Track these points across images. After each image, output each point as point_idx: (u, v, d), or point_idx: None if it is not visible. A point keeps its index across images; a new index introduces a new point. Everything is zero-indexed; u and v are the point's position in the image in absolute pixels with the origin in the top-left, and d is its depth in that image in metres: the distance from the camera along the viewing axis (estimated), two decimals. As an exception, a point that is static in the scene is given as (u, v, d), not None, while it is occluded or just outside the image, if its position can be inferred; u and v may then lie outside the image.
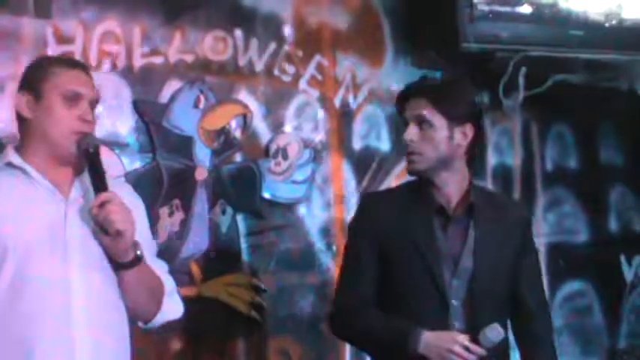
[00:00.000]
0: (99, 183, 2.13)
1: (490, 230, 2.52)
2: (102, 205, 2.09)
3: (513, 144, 4.12)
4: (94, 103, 2.23)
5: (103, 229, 2.11)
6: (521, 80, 3.78)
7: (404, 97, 2.54)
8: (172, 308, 2.33)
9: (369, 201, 2.73)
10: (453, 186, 2.52)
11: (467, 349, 2.38)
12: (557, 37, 3.79)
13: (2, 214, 2.11)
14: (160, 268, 2.32)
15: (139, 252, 2.17)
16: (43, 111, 2.17)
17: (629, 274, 4.46)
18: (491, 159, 4.06)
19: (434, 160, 2.47)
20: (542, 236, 4.11)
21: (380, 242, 2.52)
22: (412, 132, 2.47)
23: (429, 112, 2.46)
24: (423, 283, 2.48)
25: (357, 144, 3.74)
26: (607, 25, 3.83)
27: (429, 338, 2.40)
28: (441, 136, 2.46)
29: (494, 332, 2.38)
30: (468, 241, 2.51)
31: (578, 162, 4.32)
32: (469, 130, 2.50)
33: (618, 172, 4.49)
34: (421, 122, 2.47)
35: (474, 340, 2.39)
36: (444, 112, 2.46)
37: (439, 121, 2.46)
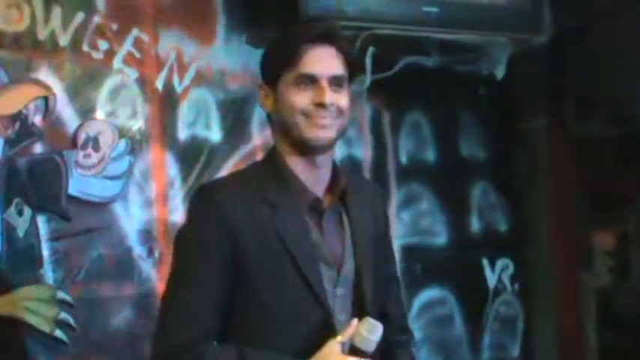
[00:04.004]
0: None
1: (361, 220, 2.12)
2: None
3: (362, 134, 3.88)
4: None
5: None
6: (368, 62, 3.54)
7: (302, 46, 2.00)
8: None
9: (212, 196, 2.05)
10: (326, 169, 2.08)
11: None
12: (409, 14, 3.52)
13: None
14: None
15: None
16: None
17: (492, 280, 4.30)
18: (338, 150, 3.70)
19: (340, 132, 2.05)
20: (396, 238, 3.85)
21: (236, 251, 1.97)
22: (329, 93, 2.00)
23: (342, 68, 2.04)
24: (301, 298, 1.99)
25: (182, 133, 3.42)
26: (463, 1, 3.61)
27: None
28: (348, 99, 2.06)
29: (373, 330, 1.99)
30: (346, 239, 2.08)
31: (437, 155, 4.12)
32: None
33: (480, 167, 4.31)
34: (338, 81, 2.03)
35: (354, 349, 1.98)
36: (351, 67, 2.07)
37: (345, 80, 2.05)
